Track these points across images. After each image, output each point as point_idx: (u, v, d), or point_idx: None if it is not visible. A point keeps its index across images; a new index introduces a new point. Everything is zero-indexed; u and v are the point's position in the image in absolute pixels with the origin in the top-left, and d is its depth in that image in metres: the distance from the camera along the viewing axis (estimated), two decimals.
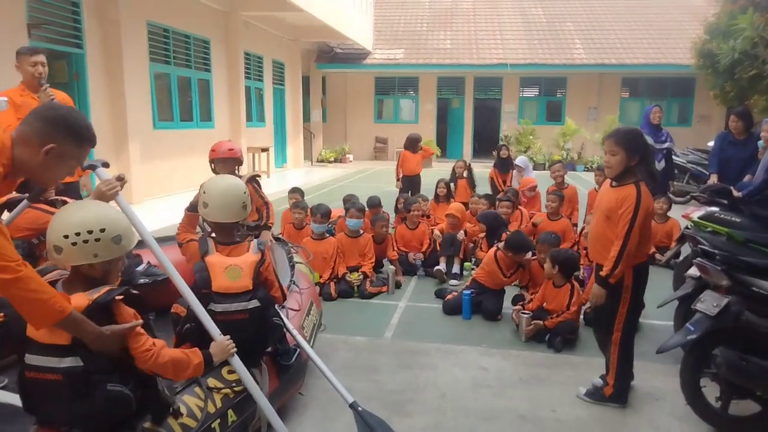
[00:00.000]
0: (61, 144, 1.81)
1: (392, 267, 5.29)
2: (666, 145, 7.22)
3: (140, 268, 3.57)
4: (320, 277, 5.02)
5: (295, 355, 2.88)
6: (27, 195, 3.05)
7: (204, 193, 2.68)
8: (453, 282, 5.38)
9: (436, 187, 7.08)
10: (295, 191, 6.41)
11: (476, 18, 21.07)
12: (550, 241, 4.64)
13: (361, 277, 5.04)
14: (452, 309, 4.62)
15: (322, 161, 18.95)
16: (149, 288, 3.53)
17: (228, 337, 2.36)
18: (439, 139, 20.09)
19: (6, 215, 3.05)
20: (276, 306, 2.85)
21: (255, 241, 2.66)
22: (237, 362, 2.36)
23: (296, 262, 3.86)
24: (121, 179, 3.27)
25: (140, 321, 1.90)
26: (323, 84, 20.10)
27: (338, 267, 5.12)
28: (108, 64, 8.95)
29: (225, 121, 12.79)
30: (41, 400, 1.83)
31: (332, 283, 4.98)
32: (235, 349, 2.35)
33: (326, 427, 2.94)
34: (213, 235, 2.70)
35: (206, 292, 2.49)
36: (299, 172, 16.27)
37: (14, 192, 3.18)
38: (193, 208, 2.90)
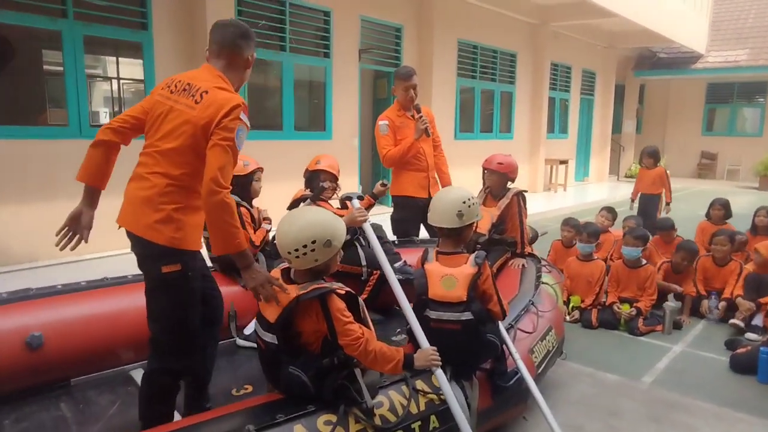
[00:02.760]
0: (252, 50, 2.37)
1: (671, 304, 4.55)
2: None
3: (397, 265, 3.91)
4: (582, 301, 4.67)
5: (514, 378, 2.76)
6: (311, 195, 3.69)
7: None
8: (751, 336, 4.32)
9: (754, 215, 5.81)
10: (609, 211, 5.89)
11: None
12: None
13: (634, 312, 4.47)
14: (743, 366, 3.75)
15: (630, 176, 17.37)
16: (402, 283, 3.85)
17: (435, 349, 2.41)
18: None
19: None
20: (501, 324, 2.80)
21: (474, 254, 2.65)
22: (440, 375, 2.39)
23: (543, 282, 3.68)
24: (384, 185, 3.66)
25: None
26: (641, 92, 18.42)
27: (606, 294, 4.67)
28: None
29: (525, 132, 12.89)
30: (261, 360, 2.32)
31: (594, 310, 4.56)
32: (440, 362, 2.38)
33: None
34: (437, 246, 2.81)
35: (423, 298, 2.60)
36: (602, 186, 15.29)
37: (306, 191, 3.87)
38: None
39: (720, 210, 5.94)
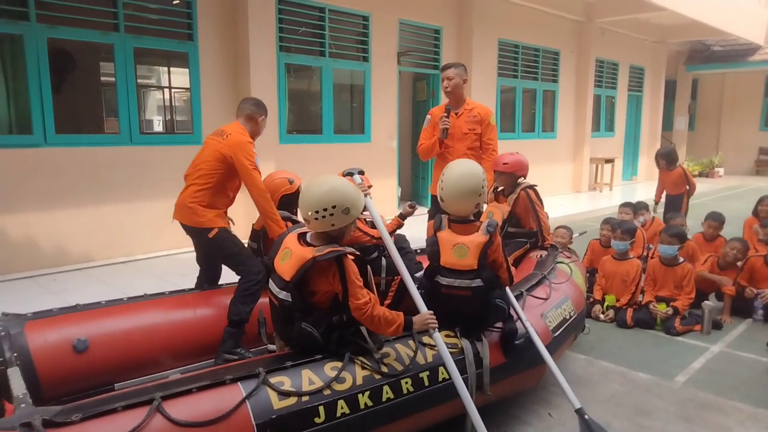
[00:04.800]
0: (263, 115, 3.60)
1: (711, 303, 4.43)
2: None
3: (418, 274, 3.89)
4: (617, 300, 4.61)
5: (523, 337, 2.82)
6: None
7: (441, 181, 2.81)
8: None
9: None
10: (626, 206, 5.94)
11: None
12: None
13: (671, 311, 4.39)
14: None
15: None
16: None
17: (431, 312, 2.52)
18: None
19: None
20: (508, 289, 2.87)
21: (485, 222, 2.71)
22: (437, 337, 2.50)
23: (558, 262, 3.83)
24: (412, 207, 3.66)
25: None
26: (693, 87, 17.76)
27: (642, 294, 4.61)
28: None
29: (568, 131, 12.68)
30: (273, 318, 2.57)
31: (630, 310, 4.50)
32: (436, 325, 2.50)
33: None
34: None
35: (435, 265, 2.71)
36: (650, 185, 14.77)
37: None
38: None
39: None
